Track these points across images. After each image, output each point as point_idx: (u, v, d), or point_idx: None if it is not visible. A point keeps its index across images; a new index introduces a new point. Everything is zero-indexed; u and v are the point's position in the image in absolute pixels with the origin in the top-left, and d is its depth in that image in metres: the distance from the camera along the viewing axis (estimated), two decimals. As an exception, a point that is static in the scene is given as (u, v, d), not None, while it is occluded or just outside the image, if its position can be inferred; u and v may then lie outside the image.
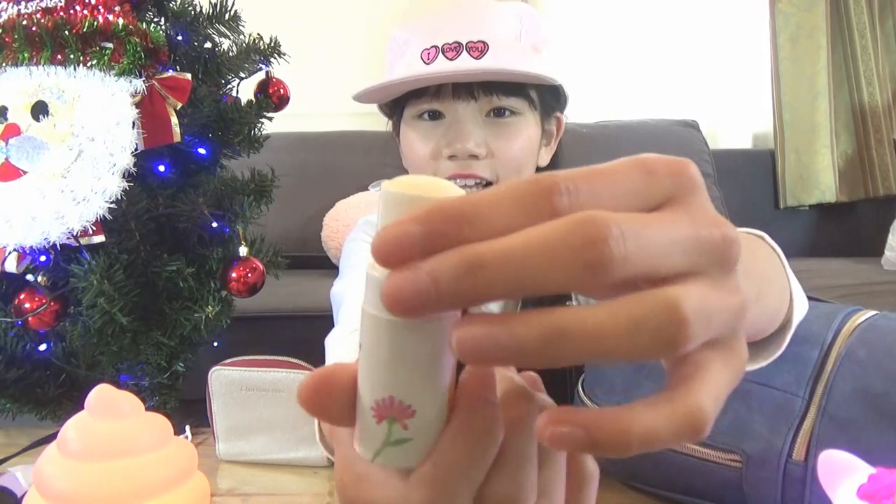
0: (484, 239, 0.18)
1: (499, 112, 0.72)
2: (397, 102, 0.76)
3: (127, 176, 0.73)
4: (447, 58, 0.70)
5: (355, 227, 0.87)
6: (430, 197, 0.20)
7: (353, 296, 0.74)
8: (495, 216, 0.19)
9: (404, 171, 0.80)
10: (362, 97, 0.75)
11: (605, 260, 0.17)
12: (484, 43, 0.70)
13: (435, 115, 0.74)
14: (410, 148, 0.76)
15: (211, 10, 0.87)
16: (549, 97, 0.76)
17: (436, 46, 0.71)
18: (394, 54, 0.77)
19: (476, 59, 0.70)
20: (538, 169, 0.79)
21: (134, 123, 0.74)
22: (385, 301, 0.19)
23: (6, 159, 0.73)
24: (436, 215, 0.19)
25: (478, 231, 0.19)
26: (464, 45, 0.70)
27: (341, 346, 0.68)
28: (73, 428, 0.51)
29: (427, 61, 0.71)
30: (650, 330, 0.18)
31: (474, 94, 0.71)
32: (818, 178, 2.35)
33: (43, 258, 0.74)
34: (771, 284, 0.39)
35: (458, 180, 0.72)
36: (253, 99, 0.91)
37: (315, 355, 0.73)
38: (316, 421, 0.58)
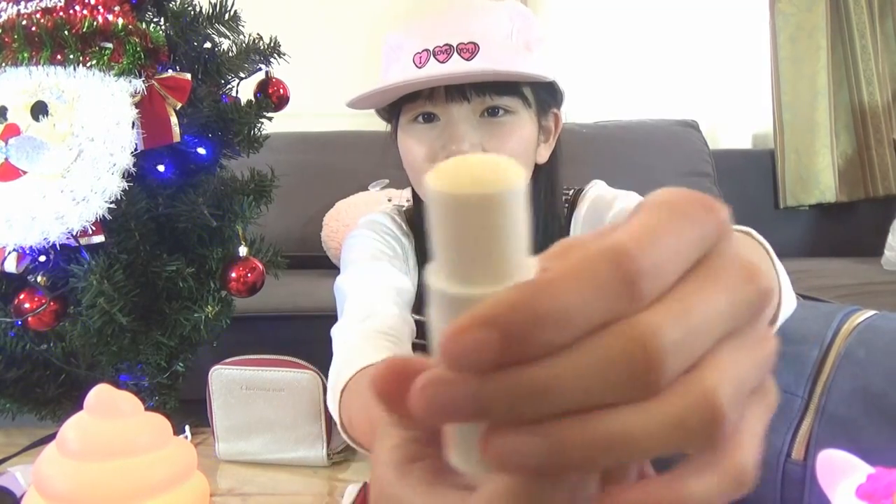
0: (562, 341, 0.17)
1: (493, 111, 0.73)
2: (394, 106, 0.77)
3: (126, 176, 0.73)
4: (438, 60, 0.71)
5: (357, 226, 0.88)
6: (494, 205, 0.18)
7: (356, 289, 0.74)
8: (577, 313, 0.17)
9: (404, 171, 0.81)
10: (356, 104, 0.75)
11: (654, 385, 0.17)
12: (474, 44, 0.70)
13: (429, 118, 0.74)
14: (407, 151, 0.76)
15: (211, 11, 0.87)
16: (544, 94, 0.77)
17: (427, 50, 0.71)
18: (388, 59, 0.77)
19: (467, 60, 0.70)
20: (537, 166, 0.80)
21: (134, 123, 0.74)
22: (418, 400, 0.18)
23: (6, 159, 0.73)
24: (518, 318, 0.17)
25: (559, 333, 0.17)
26: (454, 47, 0.71)
27: (348, 334, 0.68)
28: (73, 428, 0.51)
29: (419, 65, 0.71)
30: (691, 431, 0.18)
31: (467, 95, 0.71)
32: (818, 178, 2.35)
33: (42, 258, 0.74)
34: None
35: None
36: (252, 99, 0.91)
37: (315, 355, 0.73)
38: (337, 412, 0.58)
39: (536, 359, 0.18)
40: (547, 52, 0.77)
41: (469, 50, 0.70)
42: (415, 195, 0.82)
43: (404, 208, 0.89)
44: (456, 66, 0.70)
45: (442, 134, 0.73)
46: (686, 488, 0.19)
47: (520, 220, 0.19)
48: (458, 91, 0.71)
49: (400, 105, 0.76)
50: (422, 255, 0.83)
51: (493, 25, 0.72)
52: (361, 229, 0.85)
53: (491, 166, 0.19)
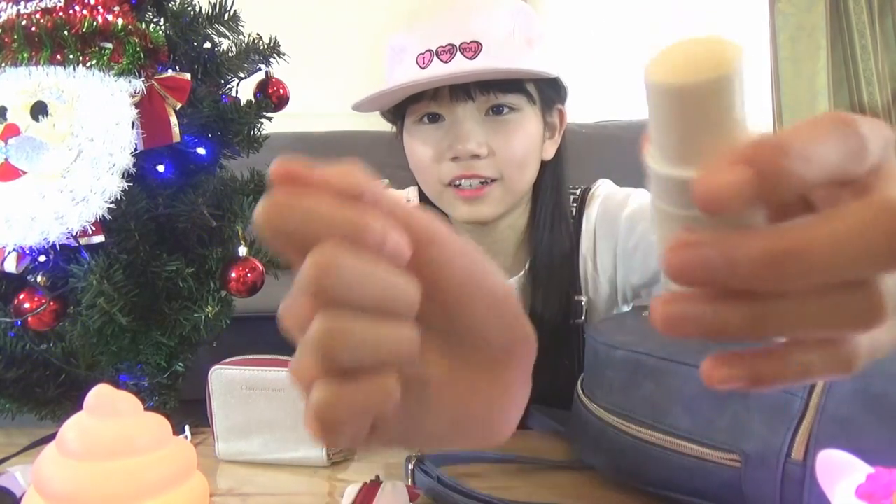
0: (810, 179, 0.18)
1: (497, 110, 0.73)
2: (399, 108, 0.77)
3: (126, 176, 0.73)
4: (441, 61, 0.71)
5: None
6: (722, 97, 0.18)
7: None
8: (819, 157, 0.19)
9: (405, 171, 0.81)
10: (362, 106, 0.76)
11: None
12: (477, 43, 0.71)
13: (434, 118, 0.75)
14: (414, 152, 0.77)
15: (210, 11, 0.87)
16: (548, 91, 0.77)
17: (430, 50, 0.72)
18: (391, 61, 0.77)
19: (470, 59, 0.70)
20: (543, 162, 0.80)
21: (133, 123, 0.74)
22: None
23: (5, 159, 0.73)
24: (768, 154, 0.18)
25: (807, 170, 0.18)
26: (457, 46, 0.71)
27: None
28: (72, 428, 0.51)
29: (422, 66, 0.72)
30: (855, 317, 0.20)
31: (471, 94, 0.72)
32: (818, 177, 2.35)
33: (42, 258, 0.74)
34: None
35: (463, 181, 0.73)
36: (252, 99, 0.91)
37: (314, 355, 0.73)
38: None
39: (788, 195, 0.18)
40: (549, 48, 0.77)
41: (472, 49, 0.71)
42: (421, 194, 0.83)
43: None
44: (459, 66, 0.70)
45: (448, 133, 0.73)
46: (789, 358, 0.21)
47: (738, 101, 0.19)
48: (462, 90, 0.72)
49: (404, 106, 0.76)
50: None
51: (495, 23, 0.73)
52: None
53: (707, 49, 0.19)
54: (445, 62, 0.71)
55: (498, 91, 0.72)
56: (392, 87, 0.71)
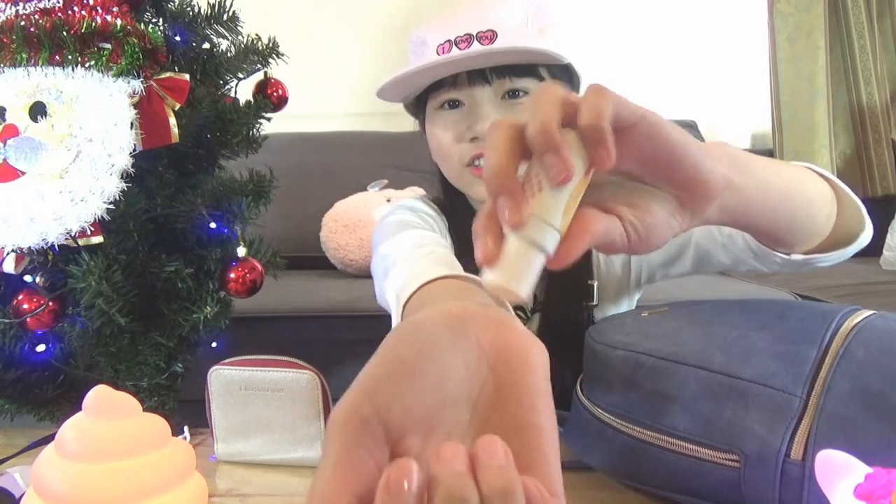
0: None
1: (513, 94, 0.78)
2: (420, 99, 0.79)
3: (125, 177, 0.73)
4: (460, 48, 0.75)
5: (387, 214, 0.86)
6: None
7: (404, 237, 0.74)
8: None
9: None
10: (384, 92, 0.79)
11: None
12: (493, 31, 0.75)
13: (454, 104, 0.79)
14: (435, 137, 0.80)
15: (209, 11, 0.88)
16: (561, 77, 0.81)
17: (449, 41, 0.76)
18: (414, 56, 0.82)
19: (486, 46, 0.73)
20: None
21: (132, 124, 0.74)
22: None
23: (4, 160, 0.73)
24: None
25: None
26: (474, 35, 0.75)
27: (408, 252, 0.67)
28: (71, 429, 0.51)
29: (442, 55, 0.75)
30: None
31: (488, 77, 0.76)
32: (817, 178, 2.35)
33: (41, 259, 0.74)
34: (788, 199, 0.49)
35: (481, 159, 0.76)
36: (251, 99, 0.91)
37: (314, 355, 0.73)
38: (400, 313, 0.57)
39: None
40: (562, 37, 0.80)
41: (488, 37, 0.75)
42: (442, 180, 0.85)
43: (430, 197, 0.92)
44: (476, 50, 0.73)
45: (466, 116, 0.77)
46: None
47: None
48: (479, 75, 0.76)
49: (425, 97, 0.79)
50: (454, 236, 0.84)
51: (510, 14, 0.77)
52: (393, 215, 0.85)
53: None
54: (463, 50, 0.74)
55: (513, 75, 0.76)
56: (413, 68, 0.75)
